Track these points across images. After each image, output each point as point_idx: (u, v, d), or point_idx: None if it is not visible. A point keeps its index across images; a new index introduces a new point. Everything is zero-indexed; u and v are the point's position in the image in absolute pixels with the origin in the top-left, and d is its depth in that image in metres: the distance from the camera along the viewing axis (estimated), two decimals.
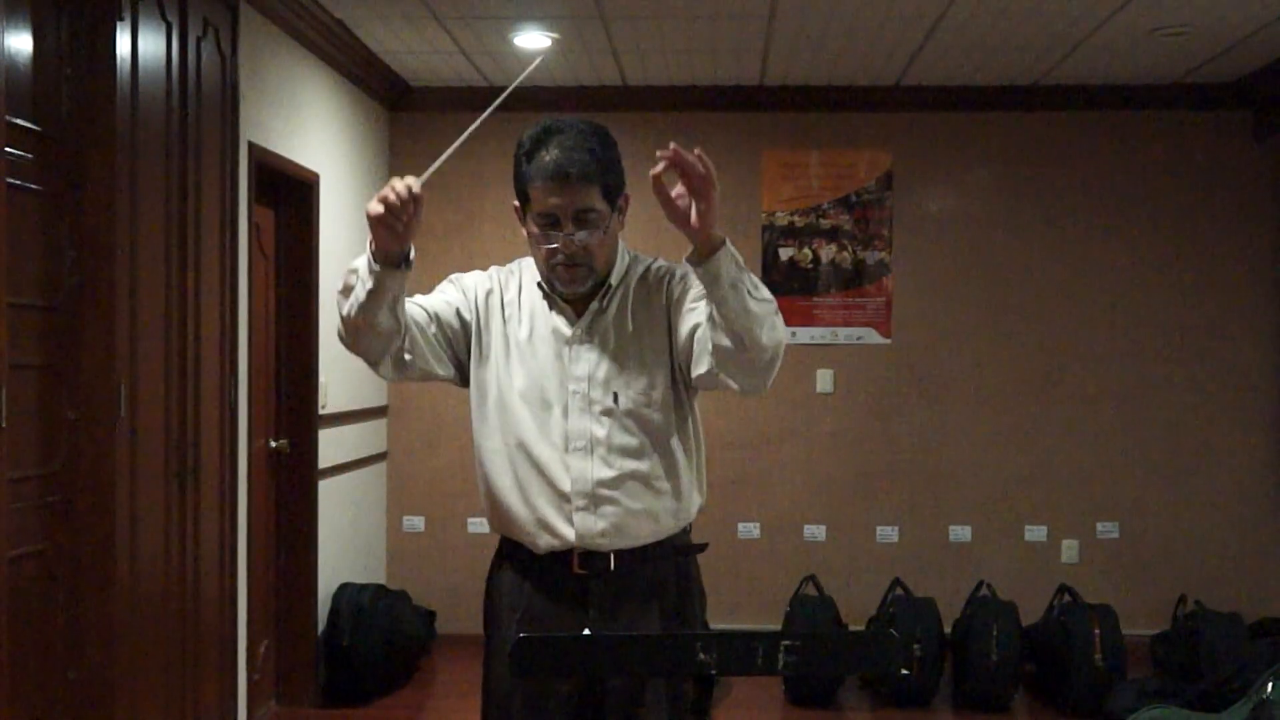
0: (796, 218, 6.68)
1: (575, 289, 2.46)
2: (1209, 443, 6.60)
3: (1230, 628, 5.56)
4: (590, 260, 2.42)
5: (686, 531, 2.58)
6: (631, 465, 2.44)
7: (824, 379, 6.67)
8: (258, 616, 4.99)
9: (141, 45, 3.67)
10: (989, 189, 6.68)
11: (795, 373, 6.62)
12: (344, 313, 2.34)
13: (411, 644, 5.95)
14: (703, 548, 2.60)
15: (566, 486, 2.43)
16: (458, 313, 2.52)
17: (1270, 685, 3.83)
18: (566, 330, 2.49)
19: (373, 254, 2.24)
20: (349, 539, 6.05)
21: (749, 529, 6.69)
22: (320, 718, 5.41)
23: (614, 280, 2.49)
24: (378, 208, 2.17)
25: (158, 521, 3.80)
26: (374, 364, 2.41)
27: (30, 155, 3.27)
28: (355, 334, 2.34)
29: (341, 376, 5.73)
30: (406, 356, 2.41)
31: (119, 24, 3.54)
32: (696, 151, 2.14)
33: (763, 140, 6.67)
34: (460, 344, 2.53)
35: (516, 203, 2.48)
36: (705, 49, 5.83)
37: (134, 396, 3.63)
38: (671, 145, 2.15)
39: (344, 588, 5.78)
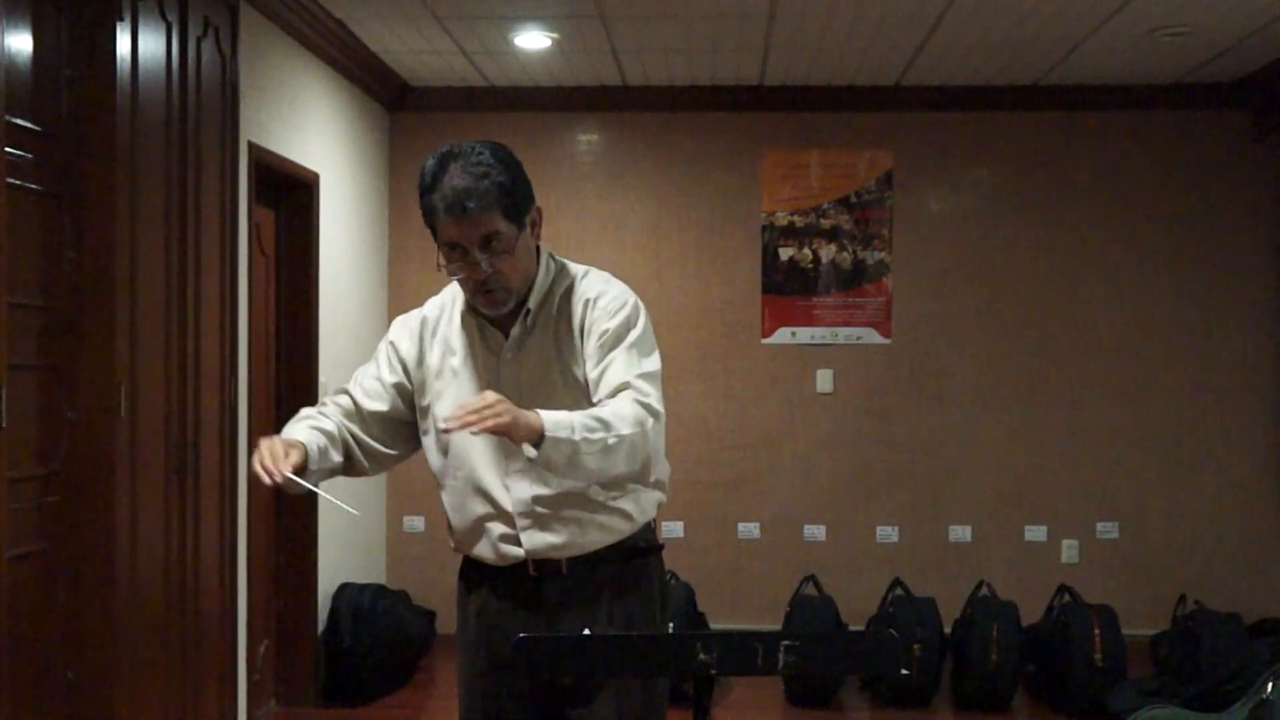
0: (796, 218, 6.68)
1: (498, 311, 2.46)
2: (1209, 443, 6.60)
3: (1230, 628, 5.55)
4: (505, 282, 2.42)
5: (650, 528, 2.58)
6: (569, 482, 2.41)
7: (824, 379, 6.67)
8: (258, 616, 5.00)
9: (141, 45, 3.67)
10: (989, 189, 6.68)
11: (795, 373, 6.63)
12: None
13: (411, 644, 5.95)
14: (659, 548, 2.61)
15: (508, 508, 2.45)
16: (395, 386, 2.56)
17: (1270, 685, 3.83)
18: (497, 352, 2.50)
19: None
20: (349, 539, 6.05)
21: (749, 529, 6.69)
22: (320, 718, 5.41)
23: (533, 302, 2.48)
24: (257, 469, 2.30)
25: (158, 521, 3.80)
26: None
27: (30, 155, 3.27)
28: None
29: (342, 377, 5.71)
30: (375, 462, 2.55)
31: (119, 24, 3.53)
32: (469, 415, 2.19)
33: (763, 140, 6.67)
34: (407, 411, 2.57)
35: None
36: (705, 49, 5.83)
37: (134, 396, 3.62)
38: (448, 424, 2.24)
39: (344, 588, 5.78)
